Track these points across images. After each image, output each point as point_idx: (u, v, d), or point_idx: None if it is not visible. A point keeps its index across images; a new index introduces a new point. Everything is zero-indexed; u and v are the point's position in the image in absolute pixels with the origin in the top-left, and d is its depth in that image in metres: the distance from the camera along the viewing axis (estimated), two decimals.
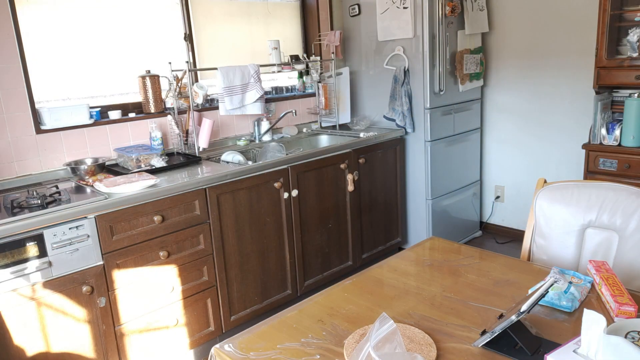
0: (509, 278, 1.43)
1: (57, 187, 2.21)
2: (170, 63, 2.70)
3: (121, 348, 2.15)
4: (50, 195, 2.05)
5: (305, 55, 3.53)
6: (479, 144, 3.74)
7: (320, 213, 2.87)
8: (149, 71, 2.75)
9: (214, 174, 2.37)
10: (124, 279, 2.12)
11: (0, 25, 2.25)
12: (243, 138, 3.13)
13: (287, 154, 2.83)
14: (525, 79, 3.51)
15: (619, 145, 2.76)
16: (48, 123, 2.40)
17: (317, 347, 1.13)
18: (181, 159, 2.68)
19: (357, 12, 3.50)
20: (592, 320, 0.90)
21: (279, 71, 3.33)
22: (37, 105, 2.42)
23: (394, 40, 3.29)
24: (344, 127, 3.55)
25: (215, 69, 2.80)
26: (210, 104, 3.00)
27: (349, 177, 2.97)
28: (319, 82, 3.48)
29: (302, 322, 1.25)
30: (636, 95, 2.70)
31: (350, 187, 2.98)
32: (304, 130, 3.48)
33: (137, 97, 2.82)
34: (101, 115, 2.63)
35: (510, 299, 1.28)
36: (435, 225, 3.43)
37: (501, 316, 1.15)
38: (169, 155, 2.74)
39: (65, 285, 1.96)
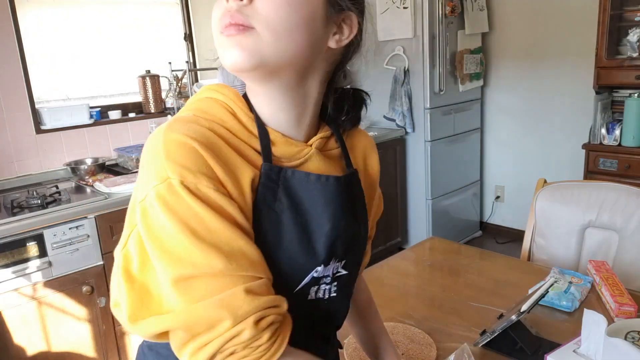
0: (509, 278, 1.43)
1: (57, 187, 2.21)
2: (170, 63, 2.70)
3: (121, 348, 2.15)
4: (50, 195, 2.05)
5: None
6: (479, 144, 3.73)
7: None
8: (149, 71, 2.75)
9: None
10: None
11: (0, 25, 2.25)
12: None
13: None
14: (525, 79, 3.50)
15: (619, 145, 2.76)
16: (48, 123, 2.41)
17: None
18: None
19: None
20: (592, 321, 0.90)
21: None
22: (37, 105, 2.42)
23: (394, 40, 3.29)
24: None
25: (215, 69, 2.80)
26: None
27: None
28: None
29: None
30: (636, 95, 2.70)
31: None
32: None
33: (137, 97, 2.82)
34: (101, 115, 2.63)
35: (510, 299, 1.28)
36: (435, 225, 3.43)
37: (501, 316, 1.15)
38: None
39: (66, 285, 1.96)
